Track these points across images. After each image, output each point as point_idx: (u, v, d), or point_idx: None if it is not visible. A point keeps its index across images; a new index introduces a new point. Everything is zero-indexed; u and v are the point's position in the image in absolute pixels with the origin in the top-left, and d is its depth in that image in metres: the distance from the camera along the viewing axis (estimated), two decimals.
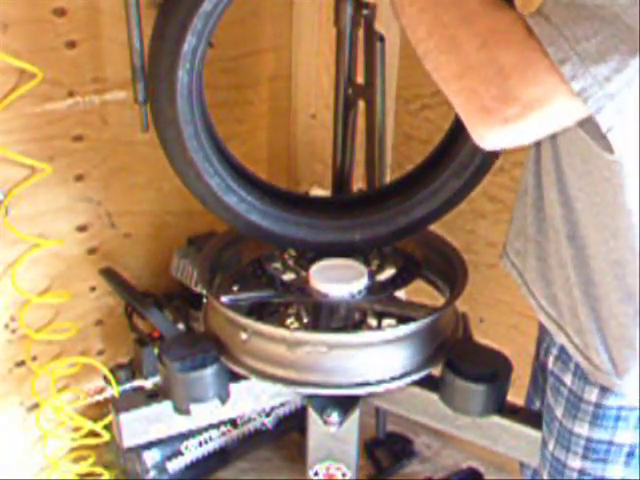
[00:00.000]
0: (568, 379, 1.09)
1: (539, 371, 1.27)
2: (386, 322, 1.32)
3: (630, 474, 1.08)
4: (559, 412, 1.11)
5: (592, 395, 1.04)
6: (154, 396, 1.30)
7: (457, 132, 1.37)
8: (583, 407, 1.06)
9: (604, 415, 1.04)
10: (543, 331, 1.20)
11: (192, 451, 1.87)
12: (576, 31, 0.66)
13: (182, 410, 1.27)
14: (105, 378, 1.72)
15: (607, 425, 1.04)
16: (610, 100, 0.68)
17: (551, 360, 1.13)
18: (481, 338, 1.37)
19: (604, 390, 1.03)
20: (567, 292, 1.06)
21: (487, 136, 0.74)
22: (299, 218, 1.37)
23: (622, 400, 1.02)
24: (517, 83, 0.69)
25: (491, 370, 1.21)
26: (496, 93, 0.70)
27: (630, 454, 1.06)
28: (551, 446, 1.14)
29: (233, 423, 1.92)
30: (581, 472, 1.09)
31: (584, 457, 1.08)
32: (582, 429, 1.07)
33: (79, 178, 1.64)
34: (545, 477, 1.17)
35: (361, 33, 1.43)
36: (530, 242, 1.13)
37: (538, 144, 1.05)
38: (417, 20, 0.77)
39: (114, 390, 1.69)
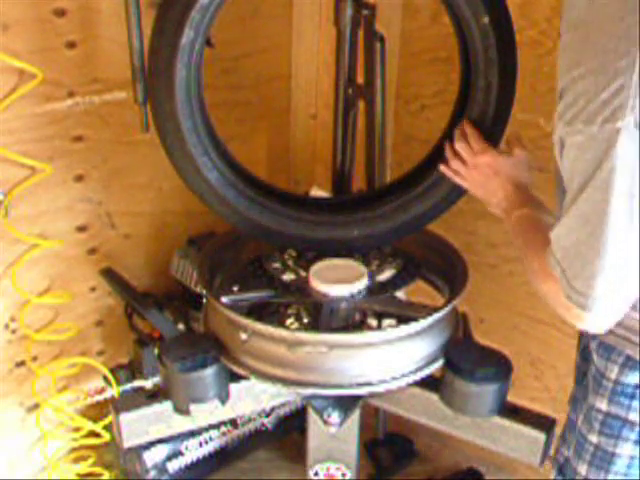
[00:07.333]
0: (595, 358, 1.16)
1: (578, 356, 1.33)
2: (386, 322, 1.32)
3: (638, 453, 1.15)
4: (590, 389, 1.18)
5: (612, 372, 1.12)
6: (154, 396, 1.30)
7: (452, 130, 1.37)
8: (604, 383, 1.14)
9: (622, 392, 1.12)
10: None
11: (192, 451, 1.87)
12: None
13: (182, 410, 1.27)
14: (105, 378, 1.71)
15: (623, 402, 1.12)
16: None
17: (591, 343, 1.20)
18: (481, 338, 1.37)
19: (623, 367, 1.11)
20: None
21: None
22: (298, 214, 1.37)
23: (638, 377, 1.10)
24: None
25: (491, 370, 1.21)
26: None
27: None
28: (579, 422, 1.21)
29: (233, 423, 1.92)
30: (597, 447, 1.17)
31: (600, 432, 1.16)
32: (602, 404, 1.14)
33: (79, 178, 1.64)
34: (571, 452, 1.23)
35: (361, 33, 1.43)
36: None
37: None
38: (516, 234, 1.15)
39: (114, 390, 1.69)
